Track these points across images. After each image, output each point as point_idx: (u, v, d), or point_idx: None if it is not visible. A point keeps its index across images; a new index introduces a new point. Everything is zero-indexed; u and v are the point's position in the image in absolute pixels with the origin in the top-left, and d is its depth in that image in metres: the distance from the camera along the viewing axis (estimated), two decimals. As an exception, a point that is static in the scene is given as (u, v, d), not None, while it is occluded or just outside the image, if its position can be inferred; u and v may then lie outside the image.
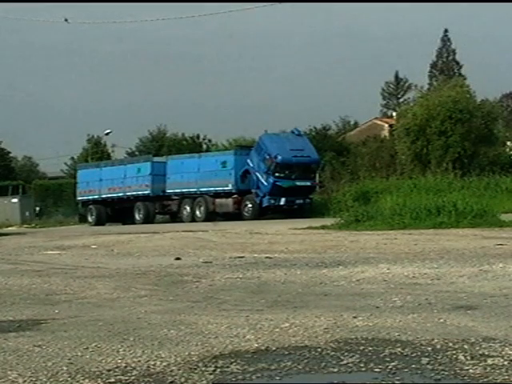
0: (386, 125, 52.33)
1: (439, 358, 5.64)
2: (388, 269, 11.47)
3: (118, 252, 17.73)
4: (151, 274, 12.34)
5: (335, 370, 5.43)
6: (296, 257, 14.41)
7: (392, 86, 72.95)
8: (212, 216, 36.02)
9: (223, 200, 36.13)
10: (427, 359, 5.60)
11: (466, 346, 5.95)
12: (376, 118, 59.00)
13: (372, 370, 5.38)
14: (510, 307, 7.76)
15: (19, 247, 21.16)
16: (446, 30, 66.09)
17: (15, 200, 50.21)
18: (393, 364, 5.49)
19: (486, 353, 5.73)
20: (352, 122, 61.68)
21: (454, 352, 5.79)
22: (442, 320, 7.07)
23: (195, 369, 5.52)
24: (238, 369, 5.50)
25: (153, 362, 5.73)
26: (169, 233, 23.66)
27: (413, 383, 5.08)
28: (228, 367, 5.55)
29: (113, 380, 5.30)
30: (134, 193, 39.64)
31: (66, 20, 39.31)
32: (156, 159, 41.44)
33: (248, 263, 13.32)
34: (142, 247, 18.75)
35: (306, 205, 35.49)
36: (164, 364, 5.68)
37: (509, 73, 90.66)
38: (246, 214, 35.38)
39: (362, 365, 5.52)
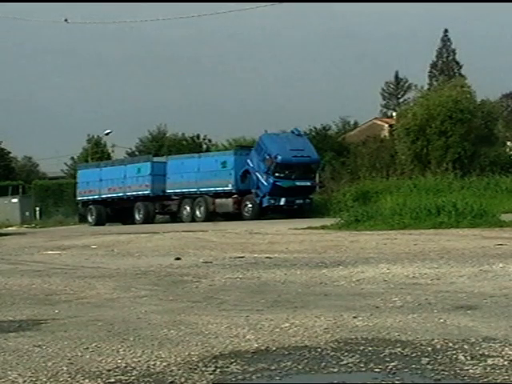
0: (386, 125, 52.32)
1: (439, 358, 5.64)
2: (388, 269, 11.47)
3: (117, 252, 17.73)
4: (151, 274, 12.34)
5: (335, 370, 5.43)
6: (296, 257, 14.41)
7: (392, 86, 72.96)
8: (212, 216, 36.04)
9: (223, 200, 36.14)
10: (427, 359, 5.60)
11: (466, 346, 5.95)
12: (376, 118, 58.97)
13: (372, 370, 5.37)
14: (510, 307, 7.76)
15: (19, 247, 21.16)
16: (446, 30, 66.12)
17: (15, 200, 50.24)
18: (393, 364, 5.49)
19: (486, 353, 5.73)
20: (352, 122, 61.68)
21: (454, 352, 5.79)
22: (442, 320, 7.07)
23: (195, 369, 5.52)
24: (238, 369, 5.50)
25: (153, 362, 5.73)
26: (169, 233, 23.66)
27: (413, 383, 5.08)
28: (228, 367, 5.55)
29: (113, 380, 5.30)
30: (134, 193, 39.65)
31: (65, 20, 39.33)
32: (156, 159, 41.46)
33: (248, 263, 13.32)
34: (141, 247, 18.75)
35: (305, 205, 35.50)
36: (164, 364, 5.68)
37: (509, 73, 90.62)
38: (246, 214, 35.39)
39: (361, 365, 5.52)
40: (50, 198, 49.45)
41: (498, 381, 5.05)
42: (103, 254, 17.14)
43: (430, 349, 5.92)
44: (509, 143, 44.74)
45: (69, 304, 9.08)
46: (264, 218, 34.17)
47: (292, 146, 35.32)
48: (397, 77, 72.23)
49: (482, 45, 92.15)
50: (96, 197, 41.84)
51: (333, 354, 5.86)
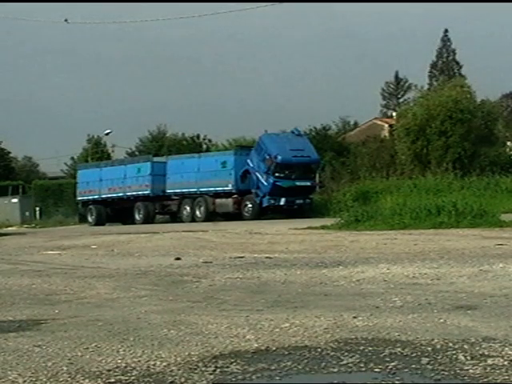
0: (386, 125, 52.34)
1: (439, 358, 5.64)
2: (388, 269, 11.47)
3: (117, 252, 17.73)
4: (151, 274, 12.34)
5: (335, 370, 5.43)
6: (296, 257, 14.41)
7: (392, 86, 72.94)
8: (212, 216, 36.04)
9: (223, 200, 36.14)
10: (427, 359, 5.59)
11: (466, 346, 5.95)
12: (376, 118, 58.99)
13: (372, 370, 5.37)
14: (510, 307, 7.76)
15: (19, 247, 21.16)
16: (446, 30, 66.10)
17: (15, 200, 50.24)
18: (393, 364, 5.49)
19: (486, 353, 5.73)
20: (352, 122, 61.74)
21: (454, 352, 5.79)
22: (442, 320, 7.07)
23: (195, 369, 5.52)
24: (238, 369, 5.50)
25: (153, 362, 5.73)
26: (169, 233, 23.67)
27: (413, 383, 5.08)
28: (228, 367, 5.55)
29: (113, 380, 5.30)
30: (134, 193, 39.66)
31: (65, 20, 39.36)
32: (156, 159, 41.47)
33: (248, 263, 13.32)
34: (141, 247, 18.75)
35: (305, 205, 35.50)
36: (164, 364, 5.68)
37: (509, 73, 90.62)
38: (245, 214, 35.39)
39: (361, 365, 5.52)
40: (50, 198, 49.46)
41: (498, 381, 5.05)
42: (103, 254, 17.14)
43: (429, 349, 5.92)
44: (509, 143, 44.74)
45: (69, 304, 9.08)
46: (264, 218, 34.17)
47: (292, 146, 35.32)
48: (397, 77, 72.25)
49: (482, 45, 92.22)
50: (96, 197, 41.85)
51: (333, 353, 5.86)
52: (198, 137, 60.03)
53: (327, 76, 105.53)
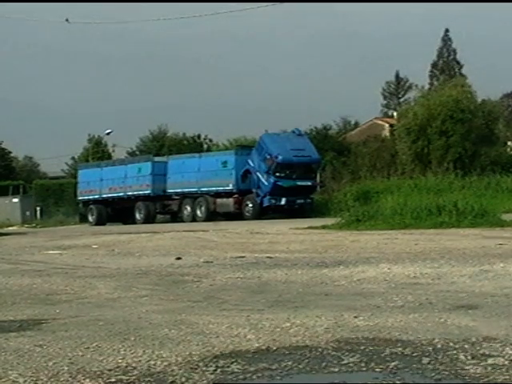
0: (387, 124, 52.34)
1: (440, 357, 5.63)
2: (389, 268, 11.47)
3: (118, 252, 17.73)
4: (152, 273, 12.33)
5: (336, 369, 5.43)
6: (297, 256, 14.41)
7: (393, 85, 72.89)
8: (213, 216, 36.05)
9: (224, 200, 36.16)
10: (428, 359, 5.59)
11: (466, 346, 5.95)
12: (376, 118, 58.96)
13: (373, 370, 5.37)
14: (511, 307, 7.75)
15: (20, 247, 21.17)
16: (446, 30, 66.01)
17: (16, 200, 50.26)
18: (394, 364, 5.48)
19: (487, 352, 5.73)
20: (352, 122, 61.72)
21: (455, 352, 5.78)
22: (442, 320, 7.07)
23: (196, 368, 5.51)
24: (238, 368, 5.49)
25: (153, 362, 5.73)
26: (169, 232, 23.67)
27: (413, 383, 5.08)
28: (229, 367, 5.54)
29: (113, 380, 5.30)
30: (135, 192, 39.68)
31: (66, 20, 39.36)
32: (157, 159, 41.49)
33: (249, 263, 13.32)
34: (142, 247, 18.75)
35: (306, 205, 35.52)
36: (165, 364, 5.68)
37: (510, 72, 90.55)
38: (246, 213, 35.40)
39: (362, 364, 5.52)
40: (51, 198, 49.49)
41: (499, 380, 5.05)
42: (104, 254, 17.14)
43: (430, 348, 5.91)
44: (509, 143, 44.78)
45: (70, 304, 9.07)
46: (265, 217, 34.20)
47: (293, 146, 35.34)
48: (397, 76, 72.20)
49: (483, 44, 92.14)
50: (97, 196, 41.87)
51: (334, 353, 5.86)
52: (199, 136, 60.08)
53: (328, 76, 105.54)
